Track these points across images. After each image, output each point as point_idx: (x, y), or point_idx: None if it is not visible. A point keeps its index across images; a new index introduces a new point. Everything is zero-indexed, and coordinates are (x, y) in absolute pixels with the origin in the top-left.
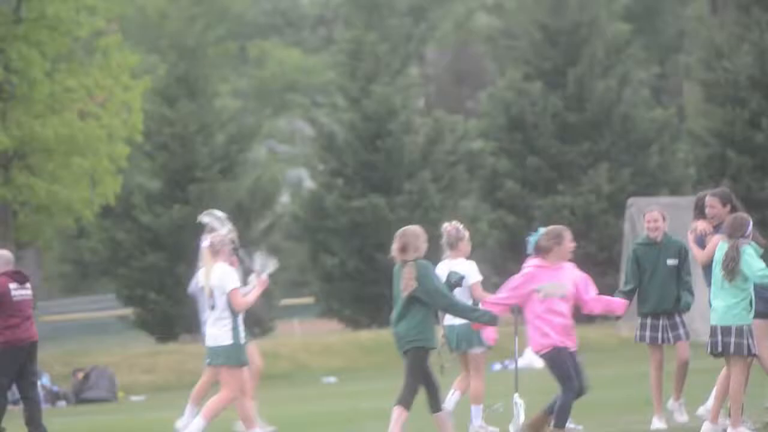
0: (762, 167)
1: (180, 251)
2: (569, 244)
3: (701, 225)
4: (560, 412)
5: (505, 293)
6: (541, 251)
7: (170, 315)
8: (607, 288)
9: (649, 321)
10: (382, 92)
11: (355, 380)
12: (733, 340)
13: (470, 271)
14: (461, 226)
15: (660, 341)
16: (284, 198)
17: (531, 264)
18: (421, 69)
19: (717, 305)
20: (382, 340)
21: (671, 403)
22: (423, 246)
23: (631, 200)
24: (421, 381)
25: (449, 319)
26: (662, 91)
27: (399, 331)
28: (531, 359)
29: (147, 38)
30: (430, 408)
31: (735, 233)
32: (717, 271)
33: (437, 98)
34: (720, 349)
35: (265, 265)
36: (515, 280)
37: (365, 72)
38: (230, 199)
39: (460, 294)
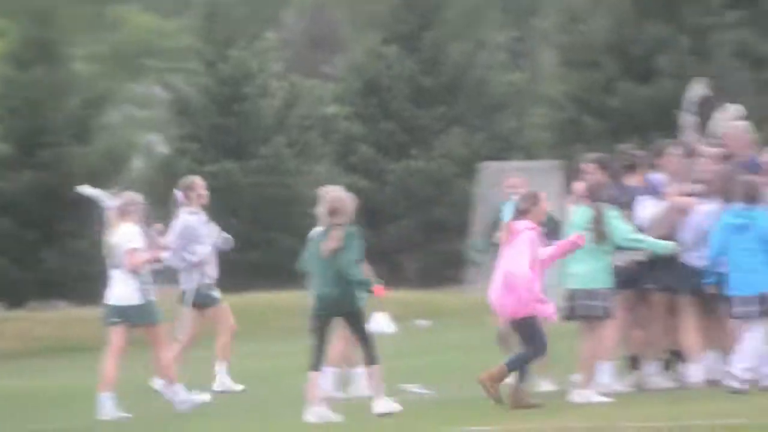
0: (616, 132)
1: (29, 217)
2: (545, 204)
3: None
4: (517, 361)
5: (536, 274)
6: (520, 214)
7: (18, 281)
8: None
9: None
10: (238, 56)
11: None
12: (598, 303)
13: None
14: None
15: None
16: (138, 163)
17: (529, 227)
18: (278, 33)
19: (579, 269)
20: (232, 305)
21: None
22: (350, 210)
23: (484, 165)
24: (324, 340)
25: None
26: (519, 54)
27: (334, 295)
28: (382, 324)
29: (1, 1)
30: (312, 365)
31: (595, 197)
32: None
33: (294, 63)
34: (580, 312)
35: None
36: (535, 251)
37: (222, 36)
38: (83, 164)
39: None
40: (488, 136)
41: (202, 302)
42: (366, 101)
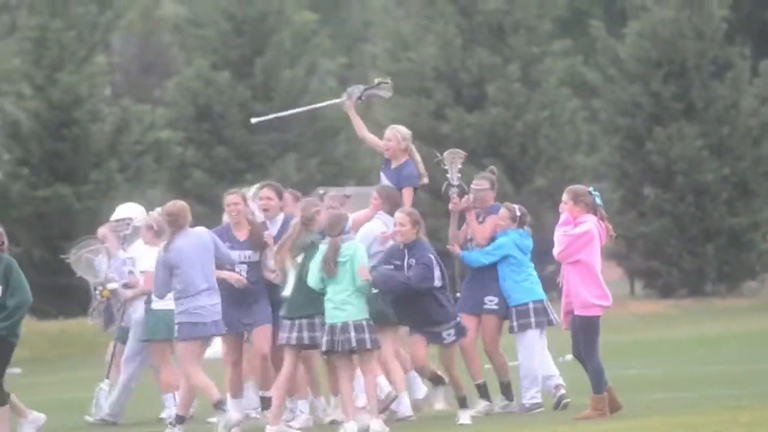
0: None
1: None
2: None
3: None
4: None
5: None
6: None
7: None
8: None
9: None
10: (68, 81)
11: (42, 372)
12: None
13: None
14: None
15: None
16: None
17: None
18: (108, 57)
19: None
20: (69, 330)
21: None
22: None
23: (321, 190)
24: None
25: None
26: (349, 81)
27: None
28: None
29: None
30: None
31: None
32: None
33: (124, 87)
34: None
35: None
36: None
37: (51, 60)
38: None
39: None
40: (322, 161)
41: None
42: (199, 126)
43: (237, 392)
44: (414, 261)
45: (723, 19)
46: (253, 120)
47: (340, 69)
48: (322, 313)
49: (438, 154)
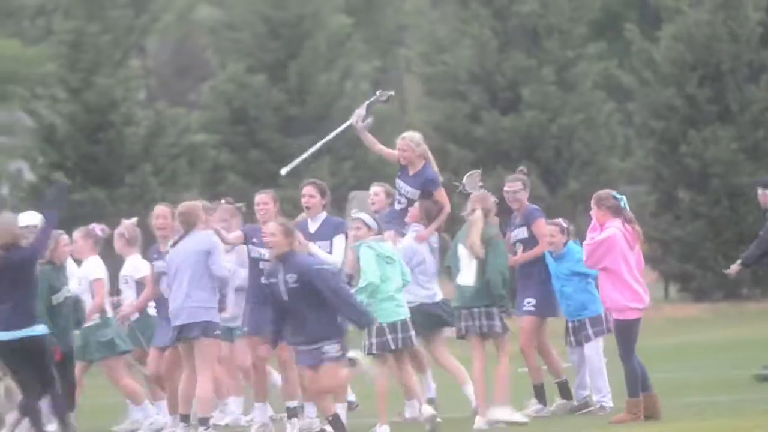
0: (482, 161)
1: None
2: None
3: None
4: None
5: None
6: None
7: None
8: None
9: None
10: (103, 84)
11: None
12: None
13: None
14: None
15: None
16: (4, 190)
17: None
18: (143, 61)
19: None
20: None
21: None
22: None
23: (352, 194)
24: None
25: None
26: (383, 84)
27: None
28: None
29: None
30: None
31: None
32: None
33: (159, 90)
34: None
35: None
36: None
37: (86, 63)
38: None
39: None
40: (355, 165)
41: None
42: (233, 130)
43: (262, 396)
44: (293, 276)
45: (758, 22)
46: (283, 171)
47: (375, 72)
48: (495, 304)
49: (456, 183)
